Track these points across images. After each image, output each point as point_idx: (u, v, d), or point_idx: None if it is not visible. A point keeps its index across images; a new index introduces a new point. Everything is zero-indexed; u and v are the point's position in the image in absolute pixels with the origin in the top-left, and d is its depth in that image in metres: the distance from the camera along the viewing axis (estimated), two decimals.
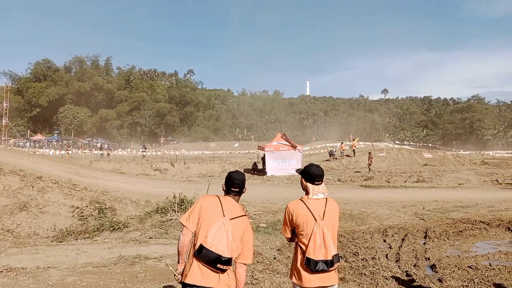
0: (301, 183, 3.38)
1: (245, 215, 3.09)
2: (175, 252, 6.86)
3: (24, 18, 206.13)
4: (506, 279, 5.96)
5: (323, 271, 3.09)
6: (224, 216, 2.94)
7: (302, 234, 3.18)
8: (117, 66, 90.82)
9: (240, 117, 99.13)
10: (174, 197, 10.92)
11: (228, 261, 2.89)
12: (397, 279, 6.02)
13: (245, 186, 3.17)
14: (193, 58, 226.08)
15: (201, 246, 2.86)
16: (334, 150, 36.87)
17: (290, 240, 3.37)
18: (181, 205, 10.49)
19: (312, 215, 3.16)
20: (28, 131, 68.27)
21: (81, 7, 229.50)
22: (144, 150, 41.36)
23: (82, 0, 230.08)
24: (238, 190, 3.10)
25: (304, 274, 3.13)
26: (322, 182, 3.30)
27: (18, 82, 76.30)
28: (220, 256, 2.84)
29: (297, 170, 3.59)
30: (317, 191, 3.26)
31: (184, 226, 2.97)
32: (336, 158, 34.90)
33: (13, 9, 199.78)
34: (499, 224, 9.82)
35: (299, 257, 3.19)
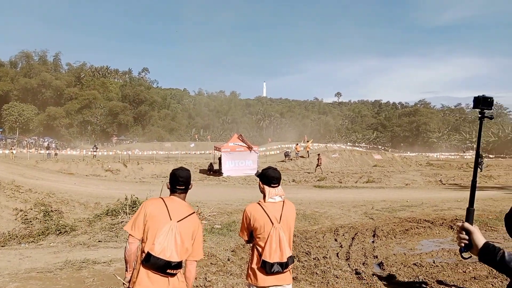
0: (259, 186, 3.39)
1: (194, 212, 3.05)
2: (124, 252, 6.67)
3: None
4: (448, 276, 6.31)
5: (278, 272, 3.17)
6: (171, 219, 2.87)
7: (259, 237, 3.23)
8: (67, 62, 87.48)
9: (197, 117, 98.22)
10: (125, 198, 10.60)
11: (178, 265, 2.86)
12: (346, 277, 6.22)
13: (191, 182, 3.10)
14: (148, 56, 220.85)
15: (149, 254, 2.79)
16: (289, 151, 37.49)
17: (248, 242, 3.41)
18: (133, 207, 10.22)
19: (269, 218, 3.20)
20: None
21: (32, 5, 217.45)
22: (95, 150, 39.81)
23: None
24: (183, 187, 3.03)
25: (259, 275, 3.19)
26: (279, 185, 3.33)
27: None
28: (169, 262, 2.80)
29: (256, 174, 3.62)
30: (274, 194, 3.29)
31: (129, 234, 2.88)
32: (291, 159, 35.49)
33: None
34: (442, 223, 10.39)
35: (255, 259, 3.24)
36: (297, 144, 39.87)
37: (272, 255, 3.16)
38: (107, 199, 12.69)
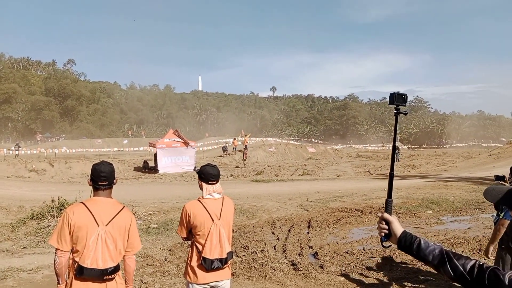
0: (198, 183, 3.39)
1: (123, 206, 2.94)
2: (53, 262, 6.29)
3: None
4: (378, 262, 6.77)
5: (218, 268, 3.21)
6: (98, 225, 2.75)
7: (199, 234, 3.24)
8: None
9: (129, 112, 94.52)
10: (52, 201, 9.93)
11: (115, 269, 2.77)
12: (283, 269, 6.41)
13: (115, 176, 2.98)
14: (73, 48, 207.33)
15: (81, 267, 2.67)
16: (227, 145, 37.59)
17: (186, 239, 3.41)
18: (60, 210, 9.59)
19: (210, 215, 3.22)
20: None
21: None
22: (17, 148, 36.81)
23: None
24: (106, 183, 2.88)
25: (199, 272, 3.21)
26: (217, 182, 3.34)
27: None
28: (105, 269, 2.71)
29: (195, 170, 3.65)
30: (211, 191, 3.31)
31: (56, 248, 2.73)
32: (228, 154, 35.58)
33: None
34: (371, 211, 11.06)
35: (195, 256, 3.25)
36: (235, 138, 40.07)
37: (213, 252, 3.19)
38: (32, 202, 11.82)
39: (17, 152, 35.32)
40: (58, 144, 50.84)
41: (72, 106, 78.35)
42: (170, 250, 7.39)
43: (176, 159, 26.04)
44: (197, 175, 3.39)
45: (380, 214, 1.77)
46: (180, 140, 26.67)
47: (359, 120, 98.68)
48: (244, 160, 29.31)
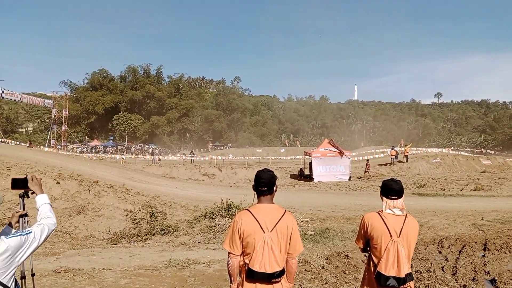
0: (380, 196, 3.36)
1: (285, 211, 3.02)
2: (223, 257, 6.97)
3: (82, 31, 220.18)
4: None
5: (393, 286, 3.10)
6: (263, 231, 2.88)
7: (375, 248, 3.20)
8: (168, 75, 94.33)
9: (286, 122, 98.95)
10: (221, 202, 11.08)
11: (280, 273, 2.91)
12: None
13: (276, 184, 3.05)
14: (240, 66, 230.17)
15: (251, 271, 2.87)
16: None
17: (363, 250, 3.41)
18: (228, 211, 10.62)
19: (388, 230, 3.15)
20: (86, 137, 72.37)
21: (138, 24, 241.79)
22: (192, 155, 42.45)
23: (140, 18, 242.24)
24: (266, 189, 2.98)
25: (373, 285, 3.20)
26: (399, 198, 3.23)
27: (76, 91, 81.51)
28: (272, 273, 2.86)
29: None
30: (392, 206, 3.22)
31: (228, 252, 2.97)
32: (386, 164, 33.81)
33: (72, 20, 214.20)
34: None
35: (371, 268, 3.24)
36: (392, 148, 37.81)
37: (389, 268, 3.10)
38: (205, 202, 13.37)
39: (192, 158, 40.70)
40: (225, 152, 56.60)
41: (237, 118, 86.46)
42: (327, 259, 7.36)
43: (331, 168, 26.03)
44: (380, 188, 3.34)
45: None
46: (335, 149, 26.59)
47: None
48: (366, 172, 28.02)
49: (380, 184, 3.36)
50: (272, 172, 3.10)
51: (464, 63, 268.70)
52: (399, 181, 3.28)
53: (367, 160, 29.85)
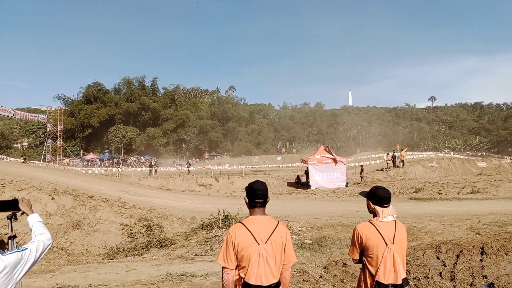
0: (367, 206, 3.38)
1: (277, 222, 3.02)
2: (220, 269, 6.90)
3: (76, 46, 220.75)
4: None
5: None
6: (258, 243, 2.88)
7: (371, 257, 3.20)
8: (163, 86, 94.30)
9: (282, 130, 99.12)
10: (218, 213, 11.05)
11: (276, 285, 2.90)
12: None
13: (268, 195, 3.07)
14: (234, 75, 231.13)
15: (247, 285, 2.86)
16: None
17: (358, 262, 3.39)
18: (225, 221, 10.57)
19: (383, 239, 3.16)
20: (81, 150, 72.05)
21: (132, 36, 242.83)
22: (189, 165, 42.42)
23: (134, 31, 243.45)
24: (262, 201, 2.99)
25: None
26: (390, 204, 3.29)
27: (71, 105, 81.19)
28: (268, 286, 2.85)
29: (361, 193, 3.62)
30: (387, 214, 3.26)
31: (223, 266, 2.95)
32: (382, 169, 33.90)
33: (65, 34, 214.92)
34: None
35: (368, 280, 3.22)
36: (388, 154, 37.90)
37: (387, 276, 3.11)
38: (202, 214, 13.32)
39: (189, 169, 40.63)
40: (221, 161, 56.52)
41: (233, 127, 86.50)
42: (325, 268, 7.33)
43: (328, 175, 26.06)
44: (367, 198, 3.36)
45: None
46: (331, 156, 26.63)
47: None
48: (361, 178, 29.06)
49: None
50: (265, 183, 3.12)
51: (456, 67, 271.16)
52: (385, 187, 3.34)
53: (361, 166, 30.80)
